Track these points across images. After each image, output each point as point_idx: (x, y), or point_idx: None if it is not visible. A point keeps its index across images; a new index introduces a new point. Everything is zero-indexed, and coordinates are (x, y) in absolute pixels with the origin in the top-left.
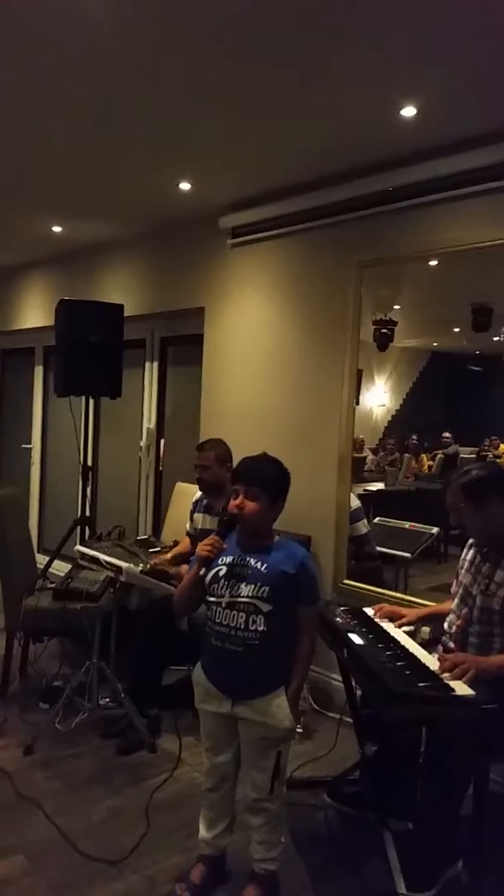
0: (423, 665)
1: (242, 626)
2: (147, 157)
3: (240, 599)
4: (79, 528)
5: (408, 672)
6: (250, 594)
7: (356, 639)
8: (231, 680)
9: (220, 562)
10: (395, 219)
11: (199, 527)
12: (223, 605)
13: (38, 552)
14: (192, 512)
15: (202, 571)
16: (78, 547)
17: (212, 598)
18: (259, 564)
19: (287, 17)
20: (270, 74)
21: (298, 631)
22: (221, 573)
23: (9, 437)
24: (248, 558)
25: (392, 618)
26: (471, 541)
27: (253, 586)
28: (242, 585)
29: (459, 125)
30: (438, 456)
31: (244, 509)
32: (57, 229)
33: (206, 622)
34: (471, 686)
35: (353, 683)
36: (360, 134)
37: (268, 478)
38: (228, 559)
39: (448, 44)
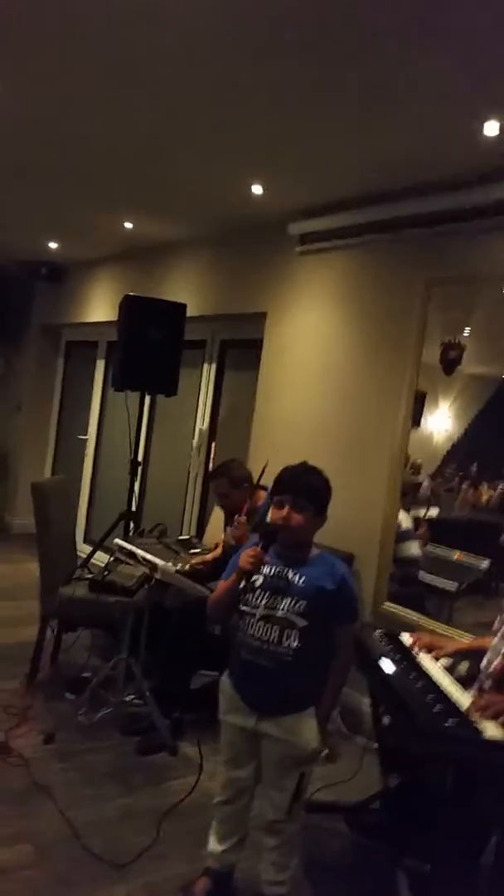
0: (454, 703)
1: (276, 641)
2: (222, 156)
3: (275, 613)
4: (123, 522)
5: (437, 708)
6: (287, 608)
7: (388, 665)
8: (259, 695)
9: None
10: (468, 238)
11: (232, 543)
12: (257, 617)
13: (85, 542)
14: (225, 525)
15: (241, 584)
16: (116, 540)
17: (245, 608)
18: (297, 578)
19: (374, 22)
20: (352, 80)
21: (334, 651)
22: (258, 583)
23: (67, 427)
24: (286, 571)
25: (430, 649)
26: None
27: (290, 600)
28: (279, 598)
29: None
30: (500, 488)
31: (291, 521)
32: (129, 225)
33: (237, 632)
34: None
35: (382, 710)
36: (440, 147)
37: (315, 489)
38: (266, 570)
39: None
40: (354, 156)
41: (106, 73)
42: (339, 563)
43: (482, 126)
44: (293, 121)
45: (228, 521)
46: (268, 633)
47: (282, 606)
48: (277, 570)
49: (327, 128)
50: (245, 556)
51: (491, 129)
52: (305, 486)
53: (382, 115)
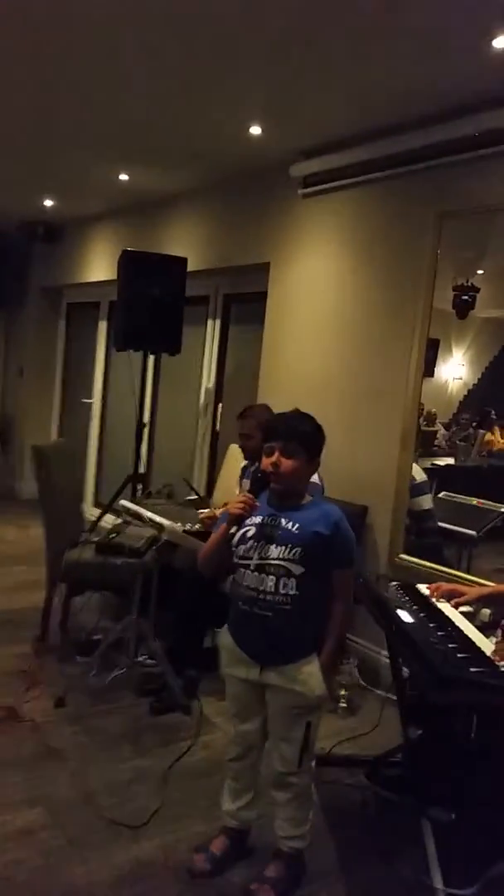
0: (478, 649)
1: (272, 590)
2: (217, 97)
3: (270, 561)
4: (131, 484)
5: (460, 655)
6: (281, 556)
7: (406, 616)
8: (260, 645)
9: (248, 522)
10: (479, 166)
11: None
12: (252, 568)
13: (94, 506)
14: (241, 478)
15: (232, 530)
16: (122, 502)
17: (239, 560)
18: (290, 525)
19: None
20: (345, 4)
21: (333, 596)
22: (250, 534)
23: (72, 391)
24: (279, 518)
25: (450, 597)
26: None
27: (284, 547)
28: (272, 547)
29: None
30: None
31: (281, 466)
32: (124, 177)
33: (233, 584)
34: None
35: (401, 663)
36: (445, 70)
37: (306, 433)
38: (258, 519)
39: None
40: (355, 88)
41: (97, 21)
42: (332, 508)
43: (490, 42)
44: (288, 55)
45: (248, 466)
46: (264, 583)
47: (276, 554)
48: (270, 517)
49: (324, 60)
50: (234, 502)
51: (500, 43)
52: (295, 432)
53: (382, 41)
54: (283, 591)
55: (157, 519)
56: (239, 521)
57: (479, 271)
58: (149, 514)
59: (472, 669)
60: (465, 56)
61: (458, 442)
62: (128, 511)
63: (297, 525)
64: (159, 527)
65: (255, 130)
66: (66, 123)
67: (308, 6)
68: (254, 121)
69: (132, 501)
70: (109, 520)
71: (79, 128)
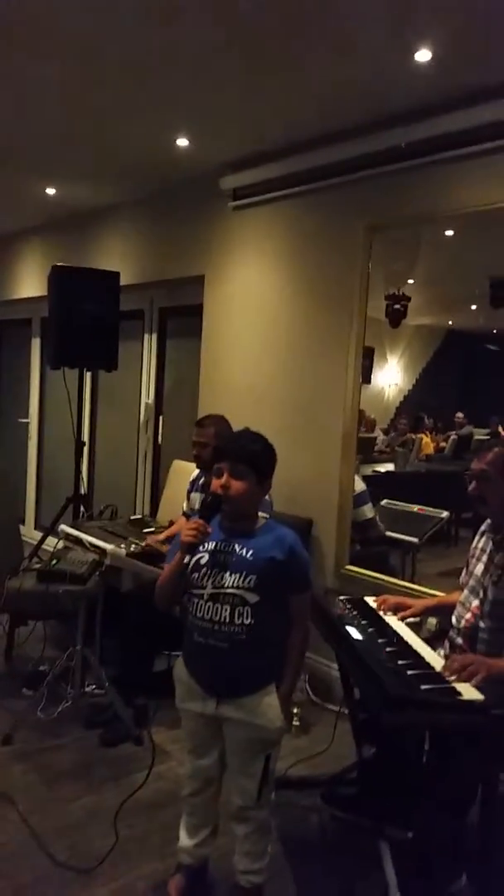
0: (428, 665)
1: (227, 620)
2: (143, 108)
3: (224, 591)
4: (73, 506)
5: (410, 672)
6: (235, 584)
7: (354, 633)
8: (216, 678)
9: (201, 549)
10: (407, 178)
11: (196, 507)
12: (205, 598)
13: (36, 529)
14: (190, 491)
15: (186, 559)
16: (62, 527)
17: (193, 590)
18: (244, 551)
19: None
20: (272, 14)
21: (290, 622)
22: (203, 561)
23: (6, 411)
24: (232, 544)
25: (396, 609)
26: (483, 527)
27: (238, 575)
28: (226, 575)
29: (479, 73)
30: (452, 437)
31: (230, 489)
32: (51, 192)
33: (187, 615)
34: (480, 689)
35: (351, 681)
36: (371, 81)
37: (254, 454)
38: (211, 546)
39: None
40: (282, 100)
41: (18, 31)
42: (286, 532)
43: (413, 56)
44: (212, 67)
45: (203, 473)
46: (218, 614)
47: (230, 583)
48: (223, 544)
49: (249, 72)
50: (185, 529)
51: (422, 56)
52: (243, 453)
53: (307, 54)
54: (238, 622)
55: (99, 543)
56: (192, 548)
57: (410, 280)
58: (89, 539)
59: (423, 687)
60: (390, 69)
61: (397, 448)
62: (68, 536)
63: (251, 552)
64: (102, 551)
65: (183, 142)
66: None
67: (230, 18)
68: (180, 133)
69: (74, 525)
70: (52, 543)
71: (1, 141)
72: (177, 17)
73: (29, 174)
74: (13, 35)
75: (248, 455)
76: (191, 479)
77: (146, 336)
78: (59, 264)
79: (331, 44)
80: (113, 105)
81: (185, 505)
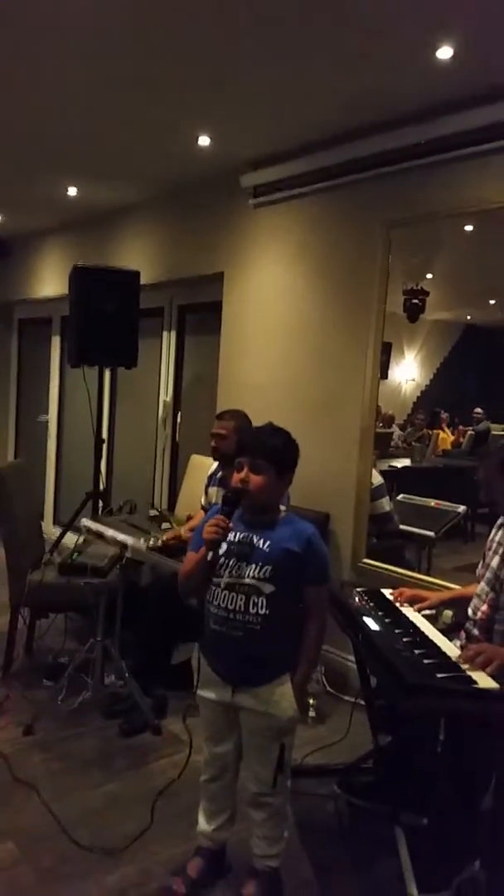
0: (444, 654)
1: (242, 609)
2: (165, 108)
3: (241, 581)
4: (91, 501)
5: (426, 661)
6: (252, 575)
7: (372, 623)
8: (232, 666)
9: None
10: (427, 174)
11: (214, 501)
12: (222, 587)
13: (55, 525)
14: (207, 486)
15: (209, 556)
16: (84, 521)
17: (212, 579)
18: (262, 542)
19: None
20: (293, 15)
21: (306, 614)
22: (222, 551)
23: (26, 408)
24: (251, 536)
25: (413, 602)
26: (500, 521)
27: (255, 566)
28: (244, 566)
29: (499, 70)
30: (469, 432)
31: (249, 483)
32: (73, 191)
33: (205, 603)
34: (495, 678)
35: (368, 671)
36: (390, 78)
37: (273, 448)
38: (231, 537)
39: None
40: (302, 98)
41: (41, 32)
42: (305, 525)
43: (434, 53)
44: (235, 64)
45: (220, 467)
46: (234, 602)
47: (247, 573)
48: (242, 535)
49: (271, 69)
50: (209, 527)
51: (444, 53)
52: (263, 447)
53: (328, 51)
54: (253, 611)
55: (120, 537)
56: (215, 545)
57: (428, 275)
58: (111, 533)
59: (439, 676)
60: (410, 66)
61: (413, 443)
62: (89, 530)
63: (268, 543)
64: (123, 544)
65: (204, 141)
66: (10, 138)
67: (252, 16)
68: (202, 131)
69: (93, 519)
70: (71, 538)
71: (24, 142)
72: (197, 15)
73: (50, 174)
74: (35, 37)
75: (268, 449)
76: (209, 473)
77: (165, 333)
78: (79, 264)
79: (352, 41)
80: (134, 105)
81: (202, 499)
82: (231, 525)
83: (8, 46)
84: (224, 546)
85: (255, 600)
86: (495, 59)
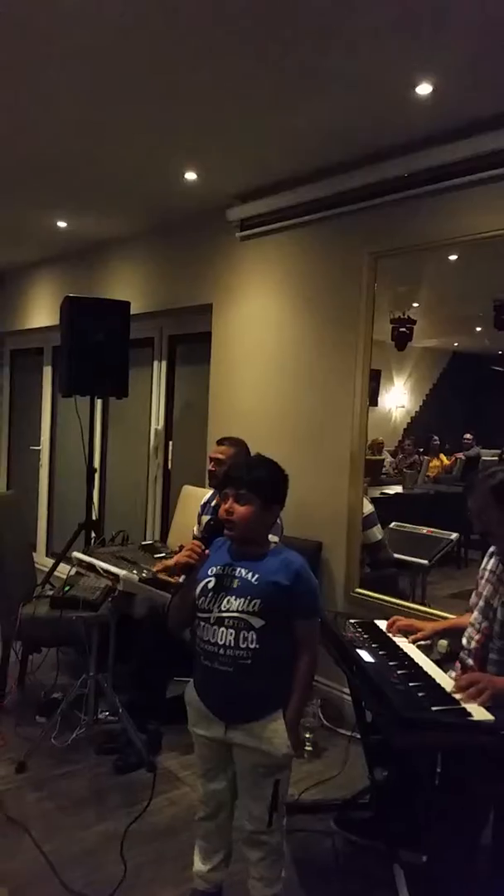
0: (438, 686)
1: (232, 644)
2: (151, 145)
3: (229, 614)
4: (84, 532)
5: (421, 694)
6: (240, 608)
7: (366, 655)
8: (223, 702)
9: (208, 573)
10: (410, 207)
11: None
12: (211, 622)
13: (47, 556)
14: (200, 514)
15: (181, 579)
16: (75, 553)
17: (200, 614)
18: (249, 575)
19: None
20: (276, 52)
21: (296, 648)
22: (210, 585)
23: (18, 438)
24: (238, 568)
25: (407, 632)
26: (492, 549)
27: (243, 599)
28: (232, 598)
29: (478, 104)
30: (459, 458)
31: (234, 514)
32: (62, 224)
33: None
34: (490, 710)
35: (363, 704)
36: (373, 115)
37: (259, 480)
38: (217, 569)
39: (465, 14)
40: (287, 133)
41: (27, 67)
42: (293, 556)
43: (414, 89)
44: (219, 102)
45: (212, 498)
46: (223, 637)
47: (235, 607)
48: (229, 568)
49: (255, 106)
50: (184, 551)
51: (423, 89)
52: (248, 478)
53: (312, 89)
54: (243, 646)
55: (112, 569)
56: (188, 569)
57: (415, 304)
58: (102, 565)
59: (434, 709)
60: (392, 102)
61: (404, 470)
62: (81, 562)
63: (255, 576)
64: (114, 577)
65: (190, 176)
66: (0, 171)
67: (232, 51)
68: (188, 167)
69: (85, 551)
70: (64, 569)
71: (13, 176)
72: (183, 55)
73: (40, 208)
74: (27, 73)
75: (252, 481)
76: (202, 501)
77: (156, 363)
78: (70, 295)
79: (334, 79)
80: (122, 142)
81: (195, 529)
82: (207, 552)
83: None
84: (212, 580)
85: (246, 635)
86: (473, 95)
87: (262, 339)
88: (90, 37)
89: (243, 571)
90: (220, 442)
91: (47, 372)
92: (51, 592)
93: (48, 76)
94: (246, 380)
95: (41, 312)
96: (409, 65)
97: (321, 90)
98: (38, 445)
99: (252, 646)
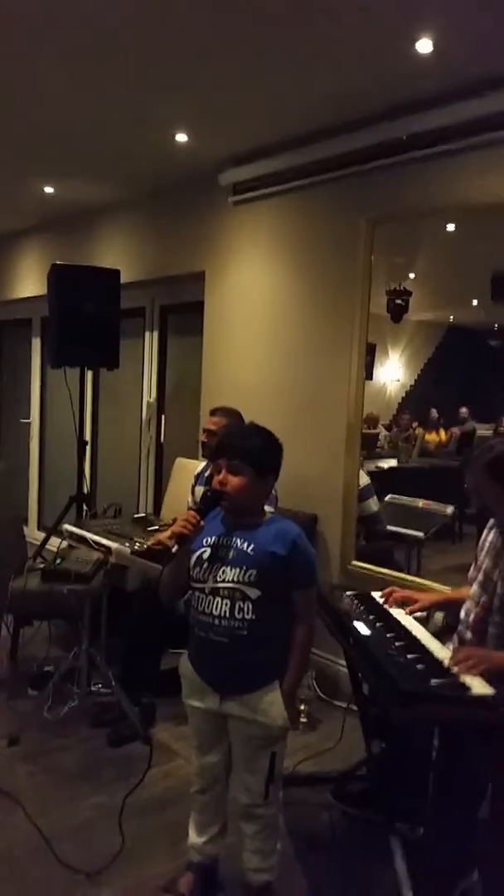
0: (437, 659)
1: (227, 615)
2: (140, 104)
3: (224, 584)
4: (76, 505)
5: (419, 666)
6: (235, 578)
7: (362, 627)
8: (218, 673)
9: (203, 543)
10: (408, 171)
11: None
12: (206, 592)
13: (39, 529)
14: (194, 485)
15: (174, 549)
16: (65, 526)
17: (195, 584)
18: (245, 545)
19: None
20: (270, 6)
21: (293, 618)
22: (205, 556)
23: (7, 411)
24: (234, 539)
25: (404, 604)
26: (491, 522)
27: (238, 570)
28: (227, 569)
29: (482, 63)
30: (454, 433)
31: (227, 485)
32: (49, 190)
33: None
34: (490, 684)
35: (360, 676)
36: (370, 73)
37: (252, 449)
38: (212, 540)
39: None
40: (281, 94)
41: (14, 30)
42: (290, 526)
43: (413, 45)
44: (209, 61)
45: (206, 469)
46: (218, 607)
47: (231, 577)
48: (224, 538)
49: (247, 66)
50: (179, 521)
51: (424, 46)
52: (240, 448)
53: (306, 46)
54: (238, 616)
55: (104, 542)
56: (182, 539)
57: (411, 275)
58: (94, 538)
59: (433, 682)
60: (390, 60)
61: (400, 443)
62: (72, 534)
63: (251, 546)
64: (107, 549)
65: (181, 138)
66: None
67: (226, 12)
68: (179, 128)
69: (77, 524)
70: (56, 543)
71: None
72: (173, 11)
73: (26, 172)
74: (8, 32)
75: (245, 450)
76: (195, 473)
77: (147, 334)
78: (58, 262)
79: (330, 36)
80: (110, 102)
81: (189, 500)
82: (202, 523)
83: None
84: (207, 550)
85: (241, 605)
86: (477, 53)
87: (256, 307)
88: None
89: (239, 541)
90: (212, 412)
91: (36, 343)
92: (42, 566)
93: (35, 41)
94: (240, 350)
95: (28, 282)
96: (409, 19)
97: (314, 50)
98: (28, 418)
99: (248, 616)
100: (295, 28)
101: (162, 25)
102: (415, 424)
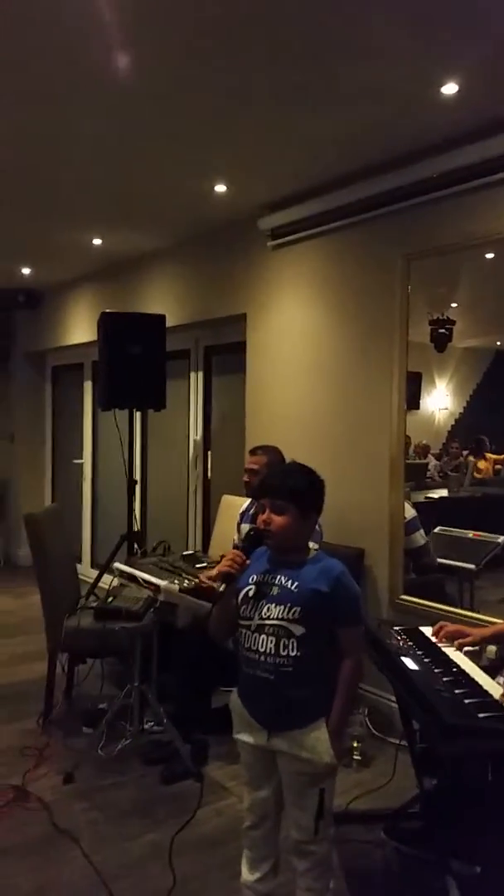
0: (486, 693)
1: (273, 652)
2: (180, 159)
3: (268, 622)
4: (126, 543)
5: (468, 701)
6: (279, 615)
7: (410, 663)
8: (265, 710)
9: (249, 581)
10: (441, 207)
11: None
12: (252, 629)
13: (92, 567)
14: (239, 523)
15: (221, 587)
16: (116, 564)
17: (242, 622)
18: (289, 582)
19: None
20: (299, 57)
21: (340, 656)
22: (251, 593)
23: (61, 452)
24: (277, 575)
25: (454, 638)
26: None
27: (282, 607)
28: (272, 606)
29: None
30: None
31: (271, 524)
32: (97, 242)
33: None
34: None
35: (410, 712)
36: (399, 117)
37: (295, 488)
38: (257, 577)
39: (489, 12)
40: (315, 140)
41: (61, 90)
42: (333, 563)
43: (439, 89)
44: (247, 112)
45: (253, 504)
46: (264, 644)
47: (275, 614)
48: (269, 576)
49: (281, 116)
50: (224, 560)
51: (449, 89)
52: (283, 488)
53: (337, 94)
54: (283, 653)
55: (153, 580)
56: (228, 578)
57: (453, 304)
58: (143, 576)
59: (480, 716)
60: (418, 103)
61: (449, 472)
62: (122, 573)
63: (295, 583)
64: (155, 587)
65: (220, 188)
66: (36, 191)
67: (256, 66)
68: (218, 180)
69: (127, 562)
70: (107, 581)
71: (48, 197)
72: (204, 73)
73: (76, 226)
74: (57, 92)
75: (288, 489)
76: (241, 510)
77: (192, 374)
78: (107, 310)
79: (359, 83)
80: (152, 161)
81: (235, 537)
82: (248, 562)
83: (35, 100)
84: (253, 588)
85: (286, 642)
86: (500, 91)
87: (296, 346)
88: (119, 50)
89: (283, 579)
90: (252, 451)
91: (88, 387)
92: (95, 604)
93: (85, 96)
94: (281, 387)
95: (80, 328)
96: (434, 64)
97: (345, 97)
98: (81, 459)
99: (293, 653)
100: (324, 80)
101: (197, 86)
102: (465, 453)
